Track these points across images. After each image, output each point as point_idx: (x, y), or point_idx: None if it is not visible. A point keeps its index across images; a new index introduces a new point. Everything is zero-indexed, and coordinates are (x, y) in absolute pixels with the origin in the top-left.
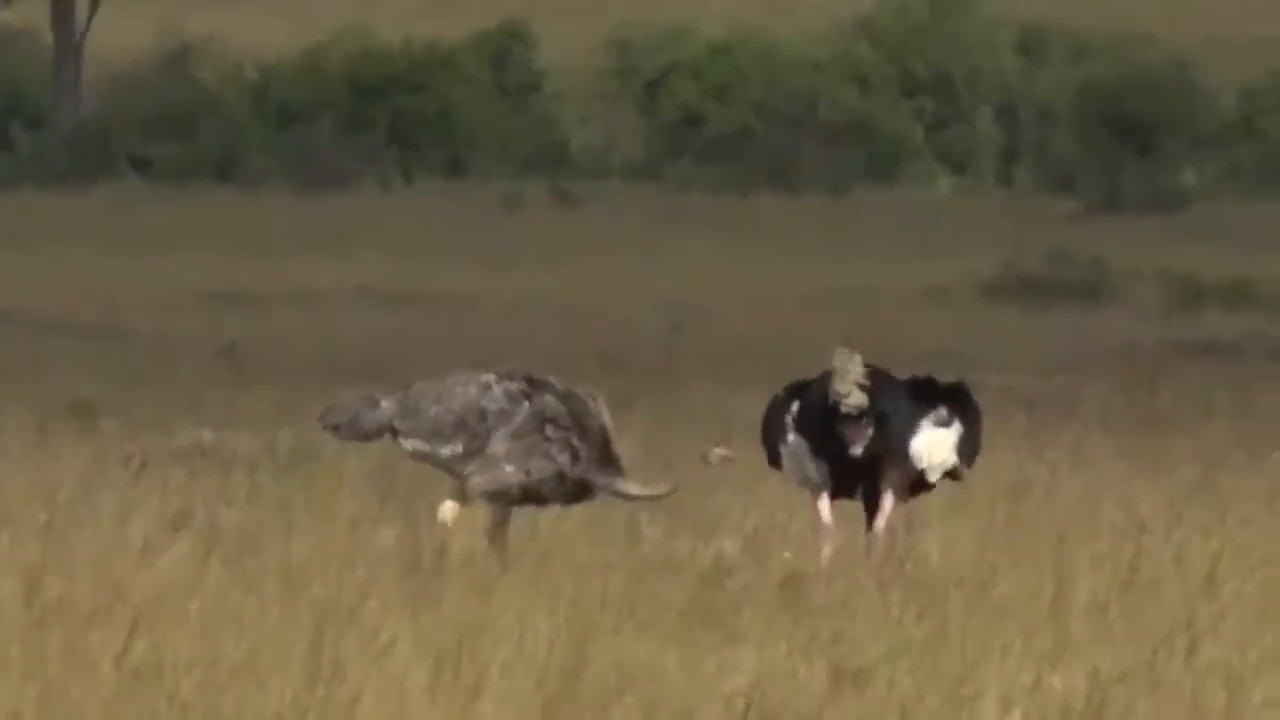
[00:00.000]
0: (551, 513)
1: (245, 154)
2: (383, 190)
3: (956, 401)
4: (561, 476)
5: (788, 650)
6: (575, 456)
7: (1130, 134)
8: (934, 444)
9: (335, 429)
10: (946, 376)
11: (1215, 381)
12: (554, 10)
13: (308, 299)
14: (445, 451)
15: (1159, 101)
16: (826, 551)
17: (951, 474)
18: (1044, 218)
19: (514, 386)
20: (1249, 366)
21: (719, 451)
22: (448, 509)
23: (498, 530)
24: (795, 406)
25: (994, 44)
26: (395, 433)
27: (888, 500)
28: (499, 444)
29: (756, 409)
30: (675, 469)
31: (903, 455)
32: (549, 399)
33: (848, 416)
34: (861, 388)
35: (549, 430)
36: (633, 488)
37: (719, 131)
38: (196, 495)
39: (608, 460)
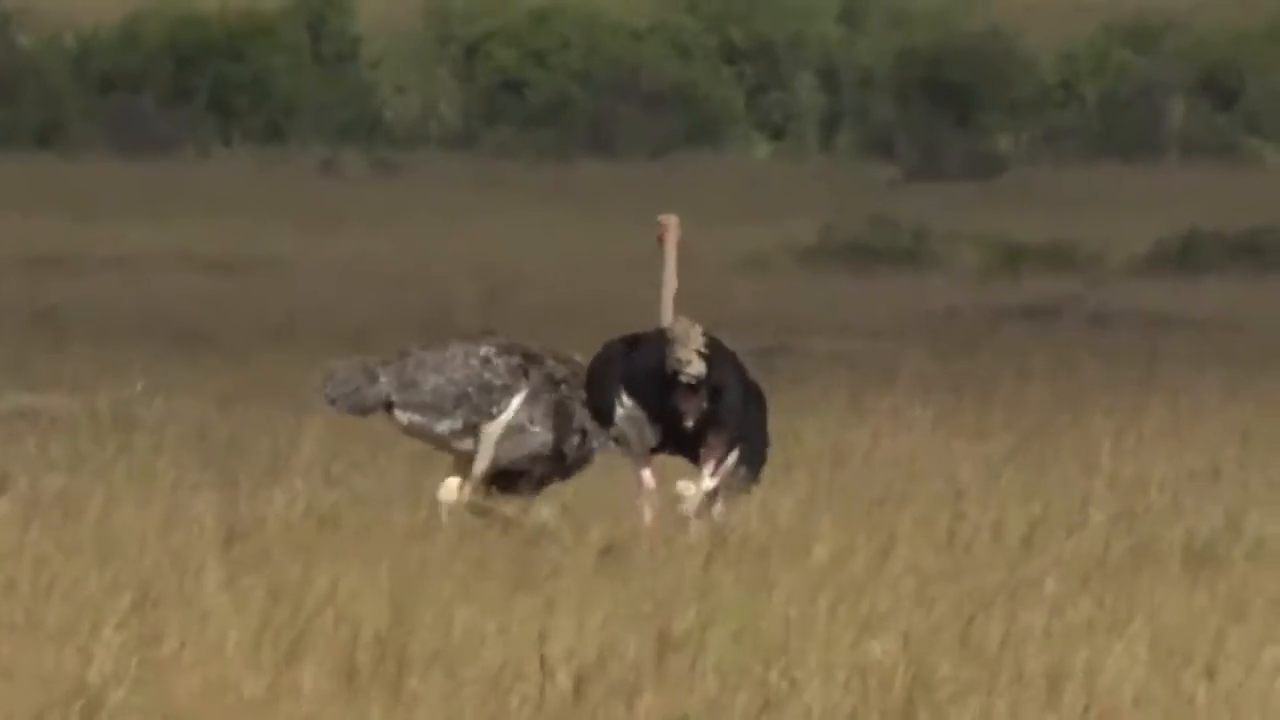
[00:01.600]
0: (371, 477)
1: (66, 120)
2: (202, 157)
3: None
4: (584, 434)
5: (607, 617)
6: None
7: (949, 100)
8: None
9: (332, 402)
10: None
11: (1034, 345)
12: None
13: (128, 264)
14: (443, 426)
15: (978, 68)
16: (648, 517)
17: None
18: (864, 183)
19: (514, 360)
20: (1067, 330)
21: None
22: (450, 487)
23: (484, 507)
24: (627, 367)
25: (815, 11)
26: (391, 406)
27: (709, 467)
28: (520, 412)
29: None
30: None
31: (730, 426)
32: (550, 363)
33: (686, 386)
34: (701, 356)
35: (564, 389)
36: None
37: (538, 98)
38: (17, 460)
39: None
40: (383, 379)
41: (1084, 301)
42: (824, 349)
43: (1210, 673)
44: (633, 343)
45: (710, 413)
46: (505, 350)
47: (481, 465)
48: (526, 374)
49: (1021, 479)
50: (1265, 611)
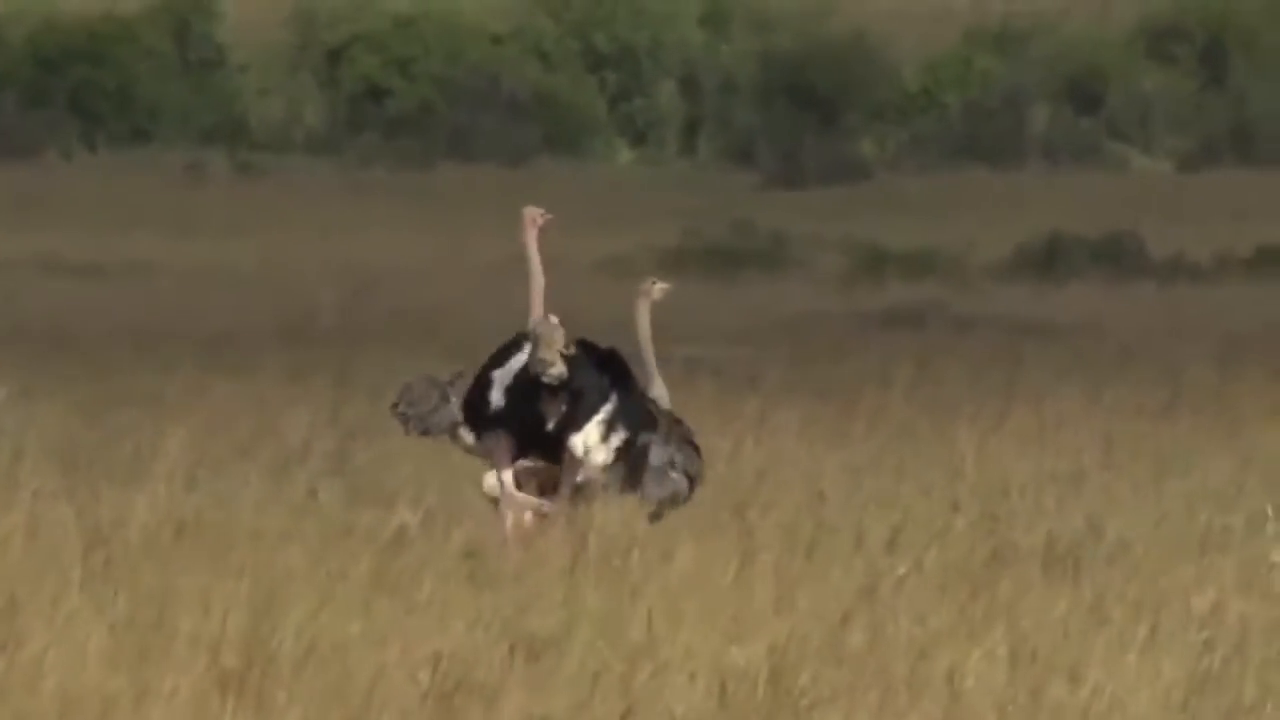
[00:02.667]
0: (234, 483)
1: None
2: (65, 161)
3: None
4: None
5: (469, 621)
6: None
7: (812, 106)
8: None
9: (405, 420)
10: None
11: (897, 351)
12: None
13: None
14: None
15: (840, 74)
16: (509, 521)
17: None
18: (726, 189)
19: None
20: (930, 336)
21: (660, 284)
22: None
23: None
24: (496, 375)
25: (676, 16)
26: (457, 426)
27: (569, 472)
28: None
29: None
30: (357, 437)
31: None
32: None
33: (549, 388)
34: (563, 358)
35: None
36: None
37: (401, 105)
38: None
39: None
40: (453, 400)
41: (947, 307)
42: (686, 355)
43: (1072, 678)
44: (502, 351)
45: (569, 416)
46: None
47: (565, 489)
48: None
49: (884, 485)
50: (1127, 616)
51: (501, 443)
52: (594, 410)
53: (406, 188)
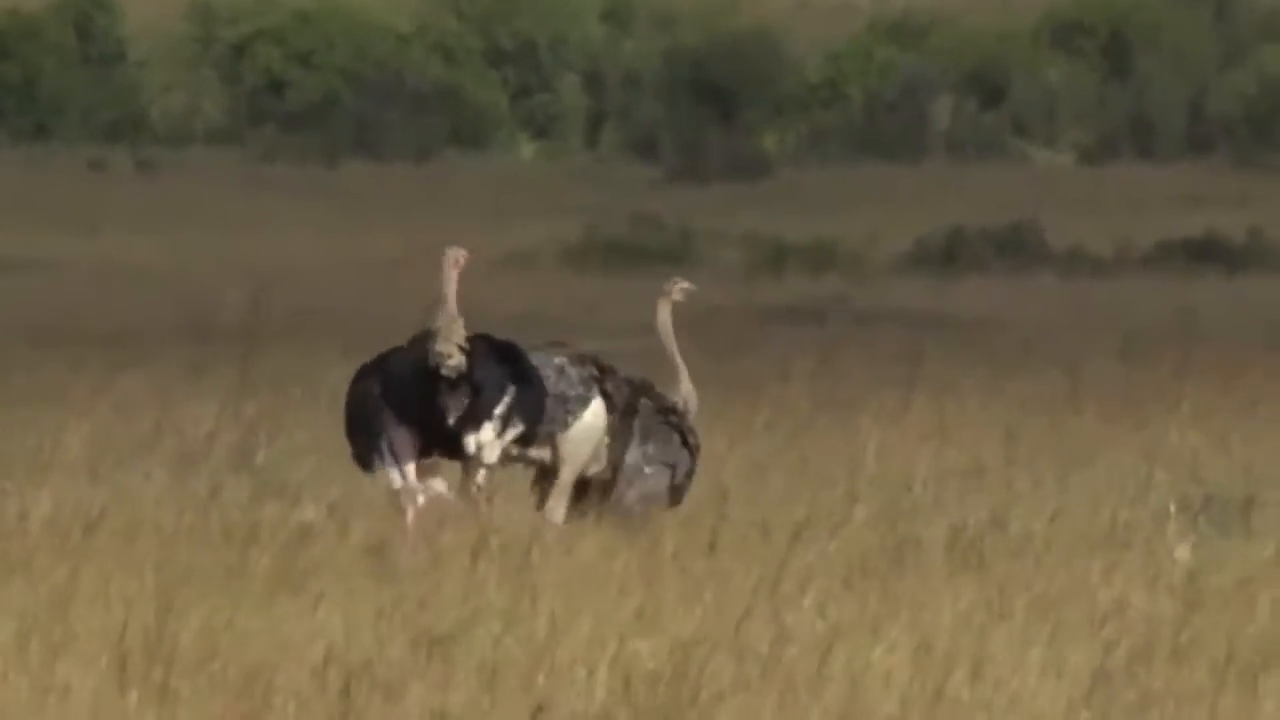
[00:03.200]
0: (137, 478)
1: None
2: None
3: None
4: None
5: (372, 616)
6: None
7: (713, 100)
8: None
9: None
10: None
11: (798, 345)
12: None
13: None
14: (536, 449)
15: (743, 68)
16: (410, 516)
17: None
18: (628, 183)
19: (588, 370)
20: (831, 330)
21: (682, 285)
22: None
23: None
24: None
25: (578, 12)
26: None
27: (474, 465)
28: (633, 453)
29: (341, 373)
30: (260, 433)
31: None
32: (640, 396)
33: (448, 383)
34: (462, 350)
35: (672, 419)
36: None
37: (304, 99)
38: None
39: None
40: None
41: (848, 301)
42: (588, 349)
43: (975, 672)
44: (397, 350)
45: (470, 411)
46: (578, 361)
47: (565, 480)
48: (600, 383)
49: (786, 479)
50: (1029, 610)
51: (404, 438)
52: (493, 405)
53: (309, 182)
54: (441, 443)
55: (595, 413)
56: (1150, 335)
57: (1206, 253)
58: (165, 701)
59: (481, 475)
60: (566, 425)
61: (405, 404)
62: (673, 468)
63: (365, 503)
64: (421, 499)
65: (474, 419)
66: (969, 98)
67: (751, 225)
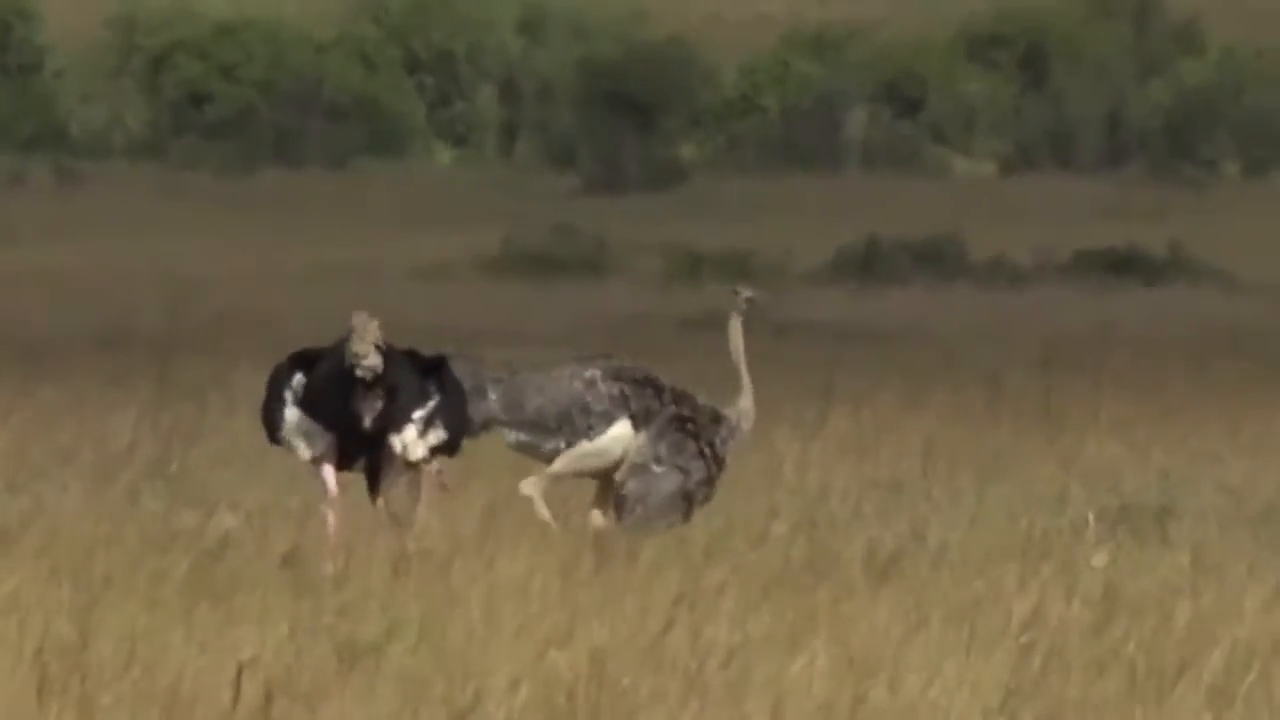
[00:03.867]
0: (55, 488)
1: None
2: None
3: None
4: (710, 480)
5: (290, 627)
6: (713, 452)
7: (630, 110)
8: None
9: None
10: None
11: (715, 355)
12: None
13: None
14: (549, 445)
15: (659, 79)
16: (332, 523)
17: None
18: (545, 193)
19: (617, 389)
20: (748, 340)
21: (746, 293)
22: (597, 516)
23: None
24: (298, 379)
25: (493, 22)
26: (500, 424)
27: (393, 472)
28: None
29: (259, 382)
30: (179, 442)
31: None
32: (668, 402)
33: (363, 385)
34: (378, 350)
35: (689, 427)
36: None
37: (223, 110)
38: None
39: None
40: (491, 395)
41: (765, 311)
42: (505, 358)
43: (893, 683)
44: (307, 356)
45: (386, 414)
46: (613, 375)
47: (557, 468)
48: (628, 402)
49: None
50: (946, 620)
51: (326, 443)
52: (411, 409)
53: (228, 192)
54: (361, 447)
55: (615, 435)
56: (1069, 346)
57: (1125, 264)
58: (84, 712)
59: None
60: (587, 437)
61: (323, 407)
62: (685, 473)
63: (283, 512)
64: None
65: (392, 422)
66: (885, 109)
67: (668, 235)
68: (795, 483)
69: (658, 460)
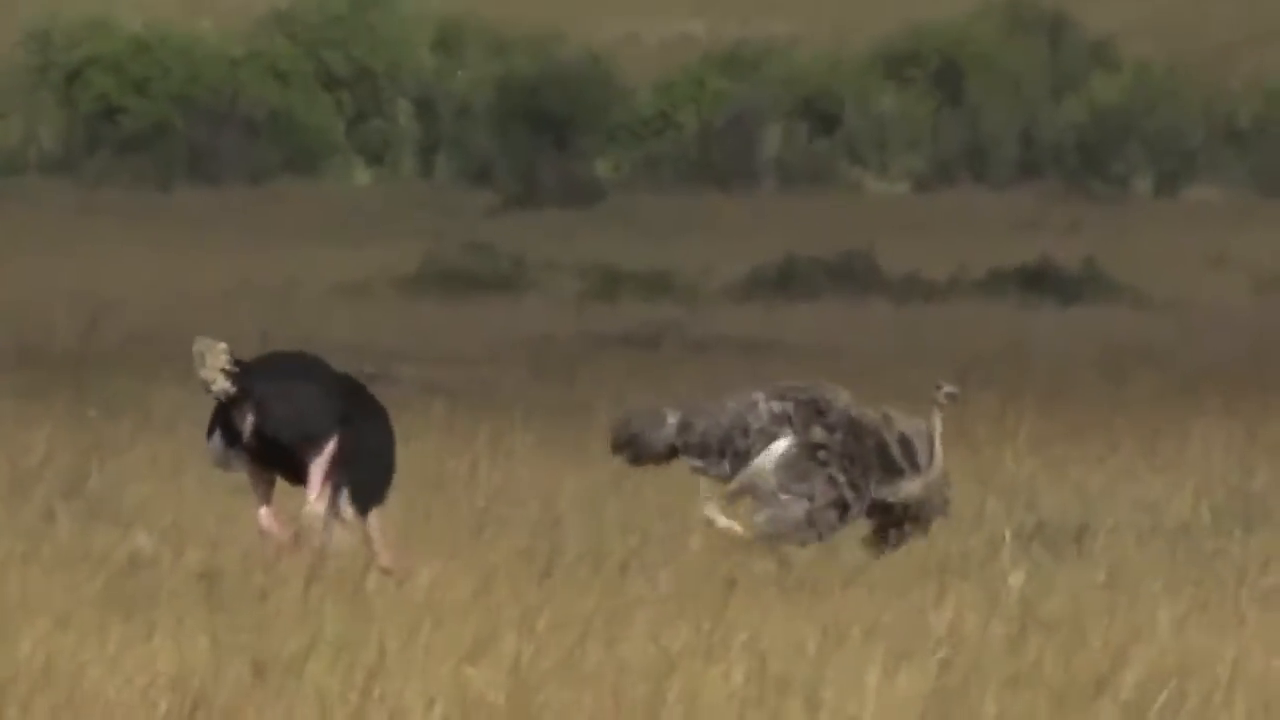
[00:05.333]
0: None
1: None
2: None
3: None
4: (845, 505)
5: (206, 643)
6: (853, 486)
7: (548, 128)
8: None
9: (621, 450)
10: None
11: (633, 372)
12: None
13: None
14: (715, 469)
15: (575, 96)
16: (269, 535)
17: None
18: (463, 210)
19: (781, 408)
20: (665, 356)
21: (947, 389)
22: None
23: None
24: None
25: (411, 40)
26: (677, 451)
27: (313, 487)
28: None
29: (175, 400)
30: (92, 460)
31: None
32: (816, 429)
33: (232, 403)
34: (228, 374)
35: (821, 456)
36: (915, 488)
37: (138, 125)
38: None
39: (891, 480)
40: (670, 421)
41: (683, 328)
42: (422, 376)
43: (809, 699)
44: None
45: (259, 428)
46: (777, 396)
47: (733, 489)
48: (790, 420)
49: (622, 506)
50: (864, 636)
51: (243, 462)
52: (291, 417)
53: (143, 208)
54: (269, 463)
55: (771, 453)
56: (984, 362)
57: (1040, 281)
58: None
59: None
60: (747, 456)
61: (225, 429)
62: (809, 498)
63: (199, 529)
64: (270, 526)
65: (273, 433)
66: (801, 127)
67: (586, 252)
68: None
69: (782, 489)
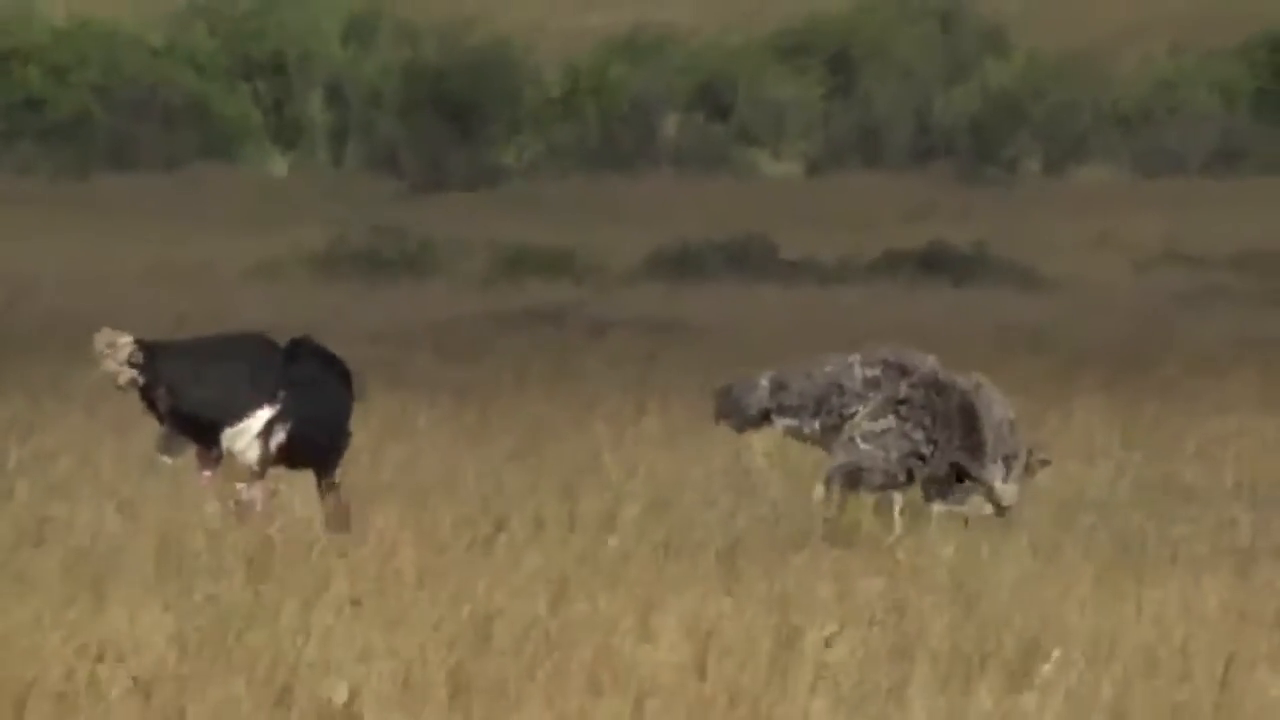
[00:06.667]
0: None
1: None
2: None
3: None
4: (920, 457)
5: (160, 608)
6: (930, 440)
7: (454, 115)
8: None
9: (726, 418)
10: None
11: (536, 350)
12: None
13: None
14: (809, 429)
15: (482, 83)
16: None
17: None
18: (372, 195)
19: (874, 373)
20: (567, 334)
21: (1042, 455)
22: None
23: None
24: None
25: (323, 30)
26: (770, 413)
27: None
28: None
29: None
30: (10, 437)
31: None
32: (903, 385)
33: (142, 393)
34: (134, 364)
35: (903, 411)
36: (996, 483)
37: (59, 114)
38: None
39: (973, 448)
40: (762, 383)
41: (585, 308)
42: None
43: (726, 650)
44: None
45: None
46: (870, 360)
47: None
48: (880, 384)
49: (524, 479)
50: (799, 604)
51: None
52: (210, 396)
53: (64, 195)
54: (197, 440)
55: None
56: (874, 341)
57: (932, 263)
58: None
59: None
60: (841, 417)
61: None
62: (885, 449)
63: (157, 500)
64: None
65: (223, 413)
66: (698, 113)
67: (490, 235)
68: (619, 472)
69: (864, 438)
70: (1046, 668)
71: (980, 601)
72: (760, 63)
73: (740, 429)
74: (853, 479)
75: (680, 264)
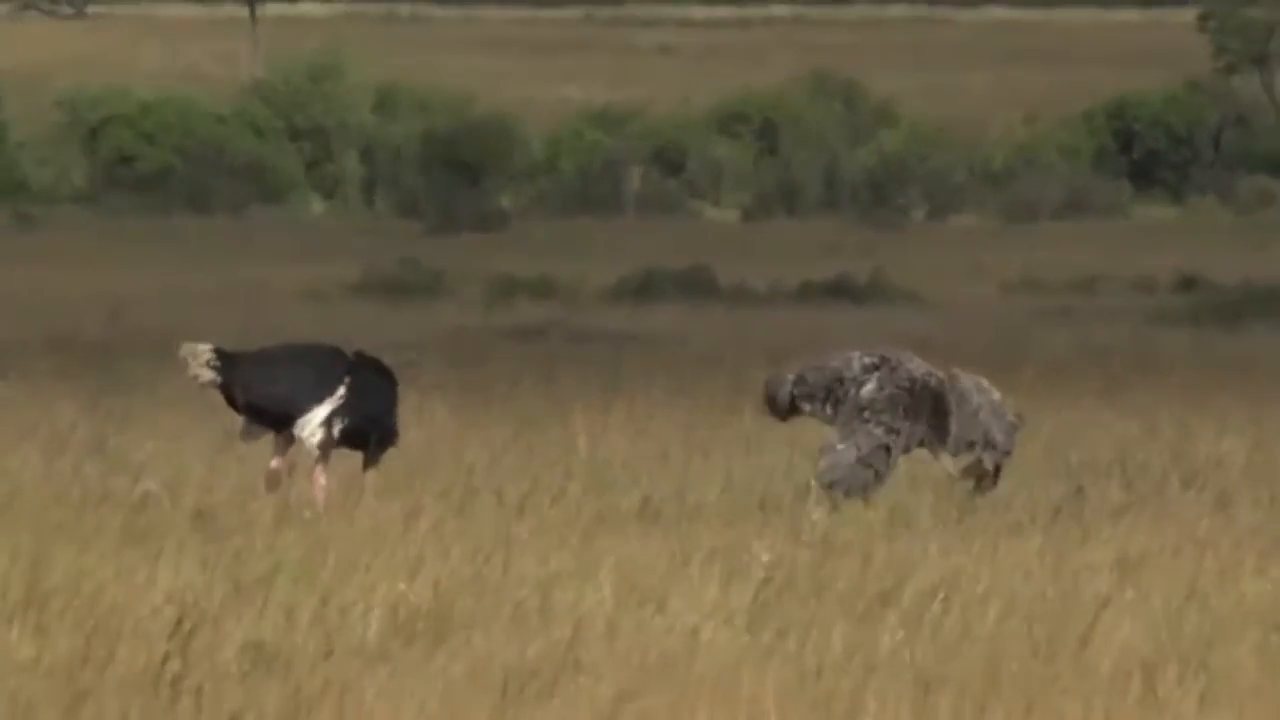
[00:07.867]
0: (16, 461)
1: None
2: None
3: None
4: (887, 449)
5: (200, 566)
6: (888, 426)
7: (463, 170)
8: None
9: (767, 408)
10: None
11: (525, 359)
12: (17, 77)
13: None
14: (824, 412)
15: (485, 145)
16: (275, 465)
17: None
18: (397, 235)
19: (868, 359)
20: (552, 346)
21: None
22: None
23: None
24: None
25: (356, 103)
26: (797, 401)
27: (284, 445)
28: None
29: (178, 381)
30: (111, 425)
31: (299, 407)
32: (867, 387)
33: (222, 389)
34: (212, 367)
35: (864, 414)
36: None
37: (147, 168)
38: None
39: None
40: (788, 376)
41: (565, 324)
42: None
43: (662, 608)
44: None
45: (250, 403)
46: (869, 353)
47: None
48: (878, 370)
49: (518, 461)
50: (704, 559)
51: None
52: (278, 393)
53: (151, 233)
54: (262, 427)
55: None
56: (795, 354)
57: (839, 290)
58: (40, 632)
59: (313, 445)
60: (842, 402)
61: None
62: (858, 448)
63: (195, 478)
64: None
65: (292, 407)
66: (656, 169)
67: (491, 266)
68: (588, 454)
69: (840, 439)
70: (936, 605)
71: (853, 553)
72: (704, 131)
73: (781, 418)
74: (839, 480)
75: (642, 289)
